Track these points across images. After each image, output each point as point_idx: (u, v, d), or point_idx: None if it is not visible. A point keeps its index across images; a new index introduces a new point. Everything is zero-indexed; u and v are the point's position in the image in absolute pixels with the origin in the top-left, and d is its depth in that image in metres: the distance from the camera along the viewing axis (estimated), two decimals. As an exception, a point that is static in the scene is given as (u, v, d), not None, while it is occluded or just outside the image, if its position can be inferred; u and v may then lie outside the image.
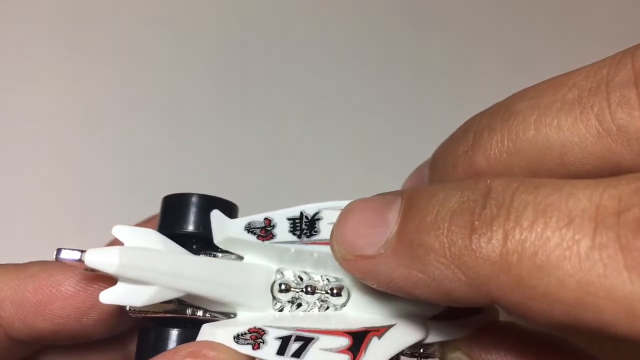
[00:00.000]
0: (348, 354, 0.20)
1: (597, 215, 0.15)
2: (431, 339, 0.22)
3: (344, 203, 0.22)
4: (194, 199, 0.23)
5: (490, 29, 0.46)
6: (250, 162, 0.44)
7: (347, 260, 0.20)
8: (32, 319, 0.22)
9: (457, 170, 0.22)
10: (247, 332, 0.21)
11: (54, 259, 0.20)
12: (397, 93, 0.45)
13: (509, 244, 0.16)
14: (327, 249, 0.22)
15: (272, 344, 0.20)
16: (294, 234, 0.22)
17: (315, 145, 0.44)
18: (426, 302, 0.19)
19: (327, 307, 0.22)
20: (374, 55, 0.46)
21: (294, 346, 0.20)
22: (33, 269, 0.22)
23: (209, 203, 0.23)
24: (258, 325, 0.21)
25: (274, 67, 0.46)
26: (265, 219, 0.22)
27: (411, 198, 0.19)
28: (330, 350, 0.20)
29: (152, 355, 0.22)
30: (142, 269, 0.20)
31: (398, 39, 0.47)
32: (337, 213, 0.21)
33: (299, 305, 0.22)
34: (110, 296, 0.20)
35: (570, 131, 0.19)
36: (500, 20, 0.46)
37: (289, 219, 0.22)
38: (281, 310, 0.22)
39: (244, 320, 0.22)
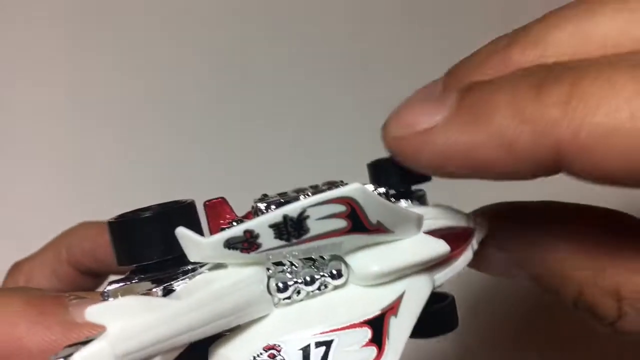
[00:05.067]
0: (372, 345, 0.20)
1: None
2: (437, 284, 0.22)
3: (327, 195, 0.19)
4: (147, 222, 0.20)
5: (490, 27, 0.44)
6: (249, 161, 0.44)
7: (401, 138, 0.20)
8: None
9: (487, 65, 0.20)
10: (263, 351, 0.20)
11: None
12: (398, 93, 0.43)
13: (576, 88, 0.16)
14: (322, 242, 0.20)
15: (293, 358, 0.20)
16: (282, 239, 0.19)
17: (314, 145, 0.44)
18: (483, 168, 0.19)
19: (328, 287, 0.21)
20: (374, 53, 0.46)
21: (316, 354, 0.20)
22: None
23: (162, 219, 0.20)
24: (272, 341, 0.20)
25: (274, 68, 0.45)
26: (246, 231, 0.19)
27: (470, 83, 0.19)
28: (354, 347, 0.20)
29: None
30: (139, 349, 0.18)
31: (398, 37, 0.46)
32: (324, 207, 0.19)
33: (299, 292, 0.21)
34: None
35: (613, 19, 0.18)
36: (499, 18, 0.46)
37: (271, 226, 0.19)
38: (284, 299, 0.21)
39: (254, 333, 0.20)
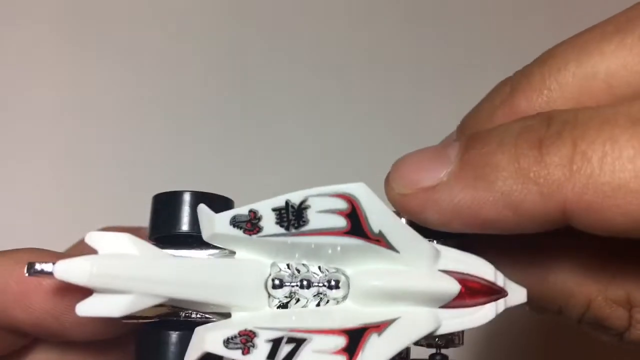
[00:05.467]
0: (344, 354, 0.18)
1: None
2: (444, 329, 0.20)
3: (331, 188, 0.20)
4: (185, 197, 0.22)
5: (490, 27, 0.45)
6: (250, 160, 0.44)
7: (405, 195, 0.19)
8: (11, 309, 0.21)
9: (496, 117, 0.21)
10: (237, 335, 0.19)
11: (26, 275, 0.19)
12: (398, 91, 0.44)
13: (578, 148, 0.17)
14: (320, 239, 0.20)
15: (262, 348, 0.19)
16: (282, 226, 0.20)
17: (315, 144, 0.43)
18: (489, 226, 0.18)
19: (328, 301, 0.20)
20: (374, 52, 0.45)
21: (285, 349, 0.19)
22: (21, 256, 0.21)
23: (200, 200, 0.22)
24: (249, 327, 0.19)
25: (274, 67, 0.45)
26: (250, 211, 0.20)
27: (471, 135, 0.19)
28: (324, 352, 0.19)
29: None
30: (116, 277, 0.19)
31: (397, 36, 0.46)
32: (325, 199, 0.20)
33: (298, 300, 0.20)
34: (86, 308, 0.19)
35: (614, 54, 0.19)
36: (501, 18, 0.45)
37: (274, 210, 0.20)
38: (279, 307, 0.20)
39: (238, 321, 0.20)
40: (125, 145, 0.43)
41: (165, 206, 0.22)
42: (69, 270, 0.18)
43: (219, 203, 0.22)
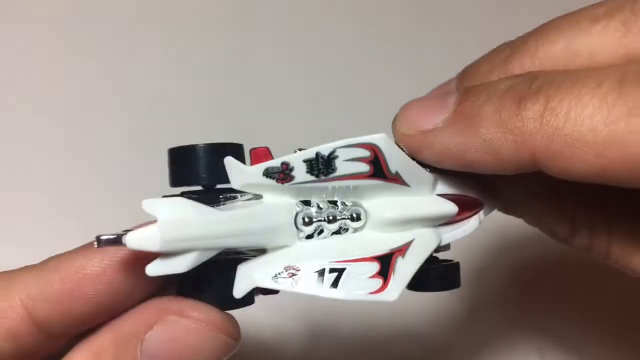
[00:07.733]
0: (379, 277, 0.23)
1: (623, 78, 0.19)
2: (444, 242, 0.25)
3: (356, 139, 0.22)
4: (201, 150, 0.23)
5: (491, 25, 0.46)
6: None
7: (407, 135, 0.23)
8: (68, 308, 0.22)
9: (492, 76, 0.24)
10: (283, 270, 0.23)
11: (96, 247, 0.20)
12: (397, 86, 0.45)
13: (549, 104, 0.20)
14: (345, 183, 0.23)
15: (308, 279, 0.22)
16: (312, 174, 0.23)
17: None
18: (473, 167, 0.22)
19: (347, 230, 0.24)
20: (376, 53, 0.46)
21: (329, 277, 0.22)
22: (52, 263, 0.23)
23: (215, 151, 0.23)
24: (292, 264, 0.23)
25: (274, 66, 0.45)
26: (283, 163, 0.22)
27: (467, 89, 0.22)
28: (362, 277, 0.23)
29: (193, 293, 0.23)
30: (182, 240, 0.21)
31: (397, 26, 0.47)
32: (351, 150, 0.22)
33: (321, 231, 0.24)
34: (156, 269, 0.21)
35: (599, 35, 0.22)
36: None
37: (305, 161, 0.22)
38: (307, 237, 0.24)
39: (275, 258, 0.23)
40: (125, 145, 0.43)
41: (184, 159, 0.23)
42: (140, 241, 0.20)
43: (234, 151, 0.24)
